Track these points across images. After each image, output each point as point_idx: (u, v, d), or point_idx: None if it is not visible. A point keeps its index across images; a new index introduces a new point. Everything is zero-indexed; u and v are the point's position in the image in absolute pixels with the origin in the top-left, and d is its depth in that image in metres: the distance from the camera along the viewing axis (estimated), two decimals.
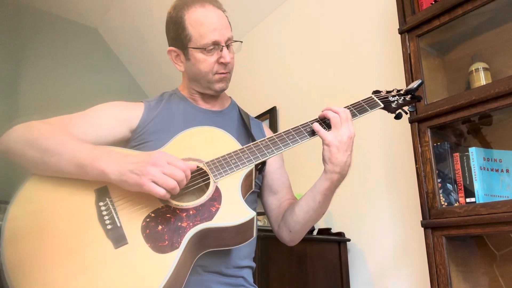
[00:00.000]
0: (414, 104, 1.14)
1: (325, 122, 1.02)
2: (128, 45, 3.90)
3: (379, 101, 1.08)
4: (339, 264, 1.95)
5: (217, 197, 0.90)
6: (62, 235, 0.84)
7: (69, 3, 3.61)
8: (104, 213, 0.87)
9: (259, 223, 1.95)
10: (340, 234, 1.99)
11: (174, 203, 0.89)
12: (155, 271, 0.79)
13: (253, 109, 2.33)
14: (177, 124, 1.07)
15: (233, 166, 0.95)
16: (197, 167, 0.94)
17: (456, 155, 1.44)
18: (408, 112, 1.13)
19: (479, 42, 1.60)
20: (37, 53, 3.51)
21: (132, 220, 0.86)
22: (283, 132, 1.01)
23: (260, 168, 1.11)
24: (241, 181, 0.93)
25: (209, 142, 1.01)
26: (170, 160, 0.85)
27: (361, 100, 1.09)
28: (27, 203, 0.88)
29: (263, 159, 0.97)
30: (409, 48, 1.58)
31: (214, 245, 0.92)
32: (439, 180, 1.45)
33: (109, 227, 0.85)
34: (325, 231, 2.01)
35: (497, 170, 1.41)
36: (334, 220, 2.13)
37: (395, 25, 1.66)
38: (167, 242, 0.83)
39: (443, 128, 1.51)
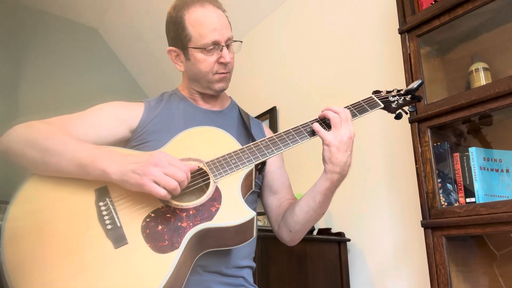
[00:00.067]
0: (414, 104, 1.13)
1: (325, 122, 1.02)
2: (128, 45, 3.90)
3: (379, 101, 1.08)
4: (339, 264, 1.95)
5: (217, 197, 0.90)
6: (62, 235, 0.84)
7: (69, 3, 3.61)
8: (104, 213, 0.87)
9: (259, 223, 1.95)
10: (340, 234, 1.99)
11: (174, 203, 0.89)
12: (155, 271, 0.79)
13: (253, 109, 2.33)
14: (177, 124, 1.07)
15: (233, 166, 0.95)
16: (198, 166, 0.94)
17: (456, 155, 1.44)
18: (408, 112, 1.13)
19: (479, 42, 1.60)
20: (37, 53, 3.52)
21: (132, 220, 0.86)
22: (283, 132, 1.01)
23: (260, 168, 1.11)
24: (241, 181, 0.93)
25: (209, 142, 1.01)
26: (172, 160, 0.85)
27: (361, 100, 1.09)
28: (27, 203, 0.88)
29: (263, 159, 0.97)
30: (409, 48, 1.58)
31: (214, 245, 0.92)
32: (439, 180, 1.45)
33: (109, 227, 0.85)
34: (325, 231, 2.01)
35: (497, 170, 1.41)
36: (334, 220, 2.13)
37: (395, 25, 1.66)
38: (167, 242, 0.83)
39: (443, 128, 1.51)
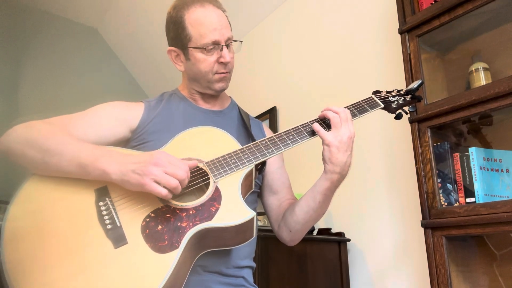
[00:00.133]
0: (414, 104, 1.13)
1: (325, 122, 1.02)
2: (128, 45, 3.90)
3: (379, 101, 1.08)
4: (339, 264, 1.95)
5: (217, 197, 0.90)
6: (62, 235, 0.84)
7: (69, 3, 3.61)
8: (104, 213, 0.87)
9: (259, 223, 1.95)
10: (340, 234, 1.99)
11: (174, 203, 0.89)
12: (154, 271, 0.79)
13: (253, 109, 2.33)
14: (177, 124, 1.07)
15: (233, 166, 0.95)
16: (197, 166, 0.94)
17: (456, 155, 1.44)
18: (408, 112, 1.13)
19: (479, 42, 1.60)
20: (37, 53, 3.52)
21: (132, 220, 0.86)
22: (283, 132, 1.01)
23: (260, 168, 1.11)
24: (241, 181, 0.93)
25: (209, 142, 1.01)
26: (171, 159, 0.86)
27: (361, 100, 1.09)
28: (27, 203, 0.88)
29: (263, 159, 0.97)
30: (409, 48, 1.58)
31: (214, 245, 0.92)
32: (439, 180, 1.45)
33: (109, 227, 0.85)
34: (325, 231, 2.01)
35: (497, 170, 1.41)
36: (334, 220, 2.13)
37: (395, 25, 1.66)
38: (166, 242, 0.83)
39: (443, 128, 1.51)
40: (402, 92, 1.13)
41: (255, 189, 1.10)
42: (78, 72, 3.67)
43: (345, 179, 1.01)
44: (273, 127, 2.63)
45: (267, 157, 0.97)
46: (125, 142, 1.08)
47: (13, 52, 3.41)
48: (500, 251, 1.43)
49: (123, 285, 0.78)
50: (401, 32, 1.61)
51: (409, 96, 1.12)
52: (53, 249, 0.82)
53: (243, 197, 0.93)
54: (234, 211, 0.89)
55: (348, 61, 2.26)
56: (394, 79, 1.91)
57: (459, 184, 1.41)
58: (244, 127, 1.18)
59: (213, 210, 0.88)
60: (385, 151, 1.99)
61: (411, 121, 1.52)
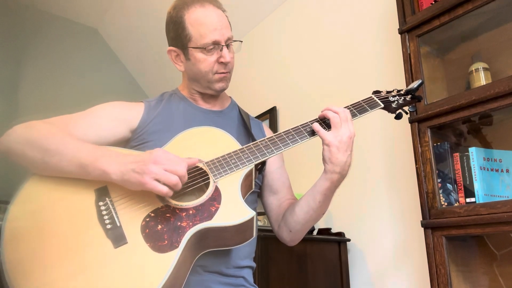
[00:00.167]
0: (414, 104, 1.13)
1: (325, 122, 1.02)
2: (128, 45, 3.90)
3: (379, 101, 1.08)
4: (339, 264, 1.95)
5: (216, 196, 0.90)
6: (62, 235, 0.84)
7: (69, 3, 3.61)
8: (104, 213, 0.87)
9: (259, 223, 1.95)
10: (340, 234, 1.99)
11: (174, 202, 0.89)
12: (154, 271, 0.79)
13: (253, 109, 2.33)
14: (177, 124, 1.07)
15: (233, 166, 0.95)
16: (197, 166, 0.94)
17: (456, 155, 1.44)
18: (408, 112, 1.13)
19: (479, 42, 1.60)
20: (37, 53, 3.51)
21: (131, 219, 0.86)
22: (283, 132, 1.01)
23: (260, 168, 1.11)
24: (241, 181, 0.93)
25: (209, 142, 1.01)
26: (170, 157, 0.86)
27: (361, 100, 1.09)
28: (27, 203, 0.88)
29: (263, 159, 0.97)
30: (409, 48, 1.58)
31: (214, 245, 0.92)
32: (439, 180, 1.45)
33: (108, 226, 0.85)
34: (325, 231, 2.01)
35: (497, 170, 1.41)
36: (334, 220, 2.13)
37: (395, 25, 1.66)
38: (166, 241, 0.83)
39: (443, 128, 1.51)
40: (402, 92, 1.13)
41: (255, 189, 1.10)
42: (78, 72, 3.67)
43: (345, 179, 1.01)
44: (273, 127, 2.63)
45: (267, 157, 0.97)
46: (125, 142, 1.08)
47: (13, 52, 3.41)
48: (500, 251, 1.43)
49: (123, 284, 0.78)
50: (401, 32, 1.61)
51: (409, 96, 1.12)
52: (53, 249, 0.82)
53: (243, 197, 0.93)
54: (234, 211, 0.89)
55: (348, 61, 2.26)
56: (394, 79, 1.91)
57: (459, 184, 1.41)
58: (244, 127, 1.18)
59: (213, 209, 0.88)
60: (385, 151, 1.99)
61: (411, 121, 1.52)
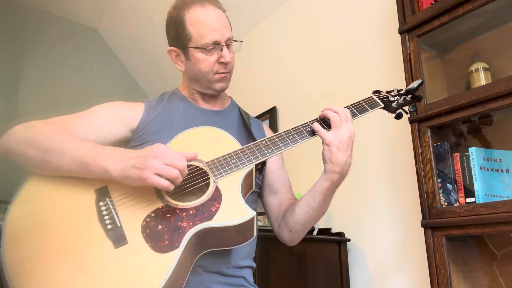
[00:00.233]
0: (414, 104, 1.13)
1: (325, 122, 1.02)
2: (128, 45, 3.90)
3: (379, 101, 1.08)
4: (339, 264, 1.95)
5: (217, 197, 0.90)
6: (62, 235, 0.84)
7: (69, 3, 3.61)
8: (104, 213, 0.87)
9: (259, 223, 1.95)
10: (340, 234, 1.99)
11: (174, 202, 0.89)
12: (155, 271, 0.79)
13: (253, 109, 2.33)
14: (178, 124, 1.07)
15: (233, 166, 0.95)
16: (197, 166, 0.94)
17: (456, 155, 1.44)
18: (408, 112, 1.13)
19: (479, 42, 1.60)
20: (37, 53, 3.51)
21: (132, 220, 0.86)
22: (283, 132, 1.01)
23: (260, 168, 1.11)
24: (241, 181, 0.93)
25: (209, 142, 1.01)
26: (169, 151, 0.86)
27: (361, 100, 1.09)
28: (27, 203, 0.88)
29: (263, 159, 0.97)
30: (409, 48, 1.58)
31: (214, 245, 0.92)
32: (439, 180, 1.45)
33: (109, 227, 0.85)
34: (325, 231, 2.01)
35: (497, 170, 1.41)
36: (334, 220, 2.13)
37: (395, 25, 1.66)
38: (167, 241, 0.83)
39: (443, 128, 1.51)
40: (402, 92, 1.13)
41: (255, 189, 1.10)
42: (78, 72, 3.67)
43: (345, 179, 1.01)
44: (273, 127, 2.63)
45: (267, 157, 0.97)
46: (125, 142, 1.08)
47: (13, 52, 3.41)
48: (500, 251, 1.43)
49: (123, 285, 0.78)
50: (401, 32, 1.61)
51: (409, 96, 1.12)
52: (53, 249, 0.82)
53: (244, 197, 0.93)
54: (234, 211, 0.89)
55: (348, 61, 2.26)
56: (394, 79, 1.91)
57: (459, 184, 1.41)
58: (244, 127, 1.18)
59: (213, 210, 0.88)
60: (385, 151, 1.99)
61: (411, 121, 1.52)
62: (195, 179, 0.94)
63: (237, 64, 1.18)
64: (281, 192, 1.17)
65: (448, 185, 1.44)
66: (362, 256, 2.00)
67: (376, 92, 1.13)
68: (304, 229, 1.10)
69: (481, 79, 1.47)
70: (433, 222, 1.39)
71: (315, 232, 2.03)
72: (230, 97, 1.26)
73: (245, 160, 0.96)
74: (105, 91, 3.47)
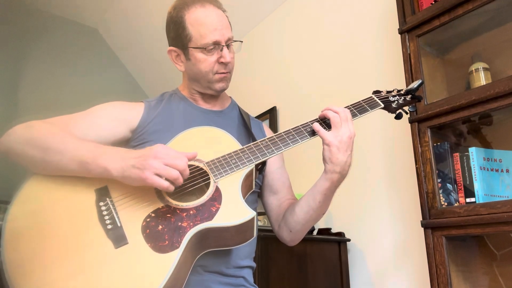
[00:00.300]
0: (414, 104, 1.13)
1: (325, 122, 1.02)
2: (128, 45, 3.90)
3: (379, 101, 1.08)
4: (339, 264, 1.95)
5: (217, 197, 0.90)
6: (62, 235, 0.84)
7: (69, 3, 3.61)
8: (105, 213, 0.87)
9: (259, 223, 1.95)
10: (340, 234, 1.99)
11: (174, 203, 0.89)
12: (155, 271, 0.79)
13: (253, 109, 2.33)
14: (178, 124, 1.07)
15: (233, 166, 0.95)
16: (197, 166, 0.94)
17: (456, 155, 1.44)
18: (408, 112, 1.13)
19: (479, 42, 1.60)
20: (37, 53, 3.51)
21: (132, 220, 0.86)
22: (283, 132, 1.01)
23: (261, 168, 1.11)
24: (241, 181, 0.93)
25: (209, 142, 1.01)
26: (170, 152, 0.86)
27: (362, 100, 1.09)
28: (27, 203, 0.88)
29: (263, 159, 0.97)
30: (409, 48, 1.58)
31: (214, 245, 0.92)
32: (439, 180, 1.45)
33: (109, 227, 0.85)
34: (325, 231, 2.01)
35: (497, 170, 1.41)
36: (334, 220, 2.13)
37: (395, 25, 1.66)
38: (167, 242, 0.83)
39: (443, 128, 1.51)
40: (402, 92, 1.13)
41: (256, 189, 1.10)
42: (78, 72, 3.67)
43: (345, 179, 1.01)
44: (273, 127, 2.63)
45: (268, 157, 0.97)
46: (125, 142, 1.08)
47: (13, 52, 3.41)
48: (500, 251, 1.43)
49: (123, 285, 0.78)
50: (401, 32, 1.61)
51: (409, 96, 1.12)
52: (53, 249, 0.82)
53: (244, 197, 0.93)
54: (234, 211, 0.89)
55: (348, 61, 2.26)
56: (394, 79, 1.91)
57: (459, 184, 1.41)
58: (244, 127, 1.18)
59: (214, 210, 0.88)
60: (385, 151, 1.99)
61: (411, 121, 1.52)
62: (195, 179, 0.94)
63: (237, 64, 1.18)
64: (281, 192, 1.17)
65: (448, 185, 1.44)
66: (362, 256, 2.00)
67: (376, 92, 1.13)
68: (304, 229, 1.10)
69: (481, 79, 1.47)
70: (433, 222, 1.39)
71: (315, 232, 2.03)
72: (230, 97, 1.26)
73: (245, 160, 0.96)
74: (105, 91, 3.46)
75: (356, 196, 2.04)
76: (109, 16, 3.74)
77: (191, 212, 0.88)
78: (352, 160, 1.00)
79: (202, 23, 1.06)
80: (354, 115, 1.04)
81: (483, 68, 1.48)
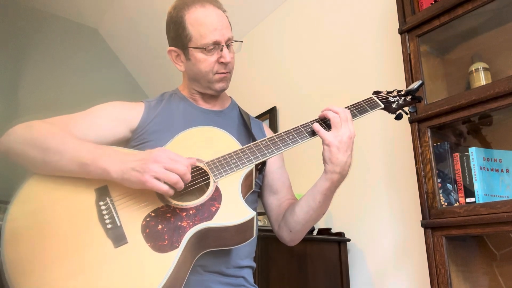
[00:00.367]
0: (414, 105, 1.13)
1: (325, 122, 1.02)
2: (128, 45, 3.90)
3: (379, 102, 1.08)
4: (339, 264, 1.95)
5: (217, 196, 0.90)
6: (62, 234, 0.84)
7: (69, 3, 3.61)
8: (104, 212, 0.87)
9: (259, 223, 1.95)
10: (340, 234, 1.99)
11: (174, 202, 0.89)
12: (155, 271, 0.79)
13: (253, 109, 2.33)
14: (178, 124, 1.07)
15: (233, 166, 0.95)
16: (197, 166, 0.94)
17: (456, 155, 1.44)
18: (408, 112, 1.13)
19: (479, 42, 1.60)
20: (37, 53, 3.51)
21: (132, 219, 0.86)
22: (283, 132, 1.01)
23: (261, 168, 1.11)
24: (241, 181, 0.93)
25: (209, 142, 1.01)
26: (172, 155, 0.86)
27: (362, 101, 1.09)
28: (27, 203, 0.88)
29: (263, 159, 0.97)
30: (409, 48, 1.58)
31: (214, 245, 0.92)
32: (439, 180, 1.45)
33: (109, 226, 0.85)
34: (325, 231, 2.01)
35: (497, 170, 1.41)
36: (334, 220, 2.13)
37: (395, 25, 1.67)
38: (167, 241, 0.83)
39: (443, 128, 1.51)
40: (402, 93, 1.13)
41: (256, 189, 1.10)
42: (78, 72, 3.67)
43: (345, 179, 1.01)
44: (273, 127, 2.63)
45: (267, 157, 0.97)
46: (125, 142, 1.08)
47: (13, 52, 3.41)
48: (500, 251, 1.43)
49: (123, 284, 0.78)
50: (401, 32, 1.61)
51: (410, 97, 1.12)
52: (53, 248, 0.82)
53: (244, 197, 0.93)
54: (234, 211, 0.89)
55: (348, 61, 2.26)
56: (394, 79, 1.91)
57: (459, 184, 1.41)
58: (244, 127, 1.18)
59: (213, 209, 0.88)
60: (385, 151, 1.99)
61: (411, 121, 1.52)
62: (195, 179, 0.93)
63: (237, 64, 1.18)
64: (281, 192, 1.17)
65: (448, 185, 1.44)
66: (362, 256, 2.00)
67: (376, 92, 1.13)
68: (304, 229, 1.10)
69: (481, 79, 1.47)
70: (433, 222, 1.39)
71: (315, 232, 2.03)
72: (230, 97, 1.26)
73: (245, 160, 0.96)
74: (105, 91, 3.46)
75: (356, 196, 2.04)
76: (109, 16, 3.74)
77: (191, 211, 0.88)
78: (352, 160, 1.00)
79: (202, 23, 1.06)
80: (354, 116, 1.04)
81: (483, 68, 1.48)
